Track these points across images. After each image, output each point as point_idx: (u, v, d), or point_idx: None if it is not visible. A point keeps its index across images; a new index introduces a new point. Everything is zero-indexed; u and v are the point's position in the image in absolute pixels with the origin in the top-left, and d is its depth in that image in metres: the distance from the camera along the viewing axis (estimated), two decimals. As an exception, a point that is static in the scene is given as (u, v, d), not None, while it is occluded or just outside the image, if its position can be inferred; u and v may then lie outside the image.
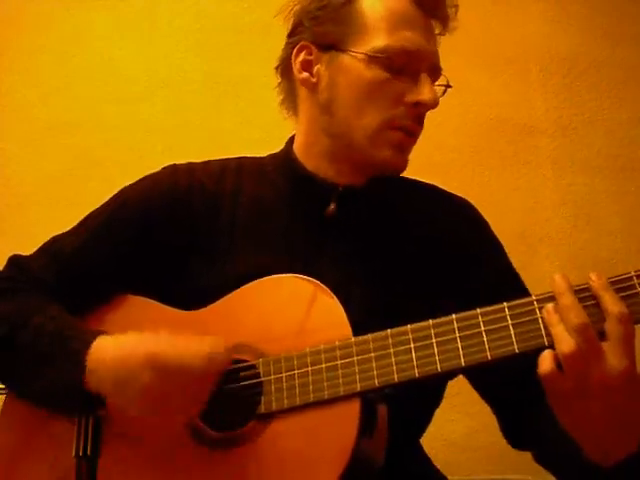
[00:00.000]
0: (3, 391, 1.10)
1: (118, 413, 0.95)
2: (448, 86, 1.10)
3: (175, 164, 1.16)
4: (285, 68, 1.15)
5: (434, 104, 1.05)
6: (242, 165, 1.17)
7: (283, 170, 1.14)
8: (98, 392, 0.95)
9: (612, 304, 0.79)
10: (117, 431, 0.99)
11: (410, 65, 1.04)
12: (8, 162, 2.03)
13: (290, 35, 1.14)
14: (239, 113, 2.12)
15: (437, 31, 1.11)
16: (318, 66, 1.08)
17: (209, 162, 1.17)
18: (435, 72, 1.08)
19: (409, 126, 1.06)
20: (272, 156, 1.19)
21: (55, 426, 1.01)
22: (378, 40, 1.04)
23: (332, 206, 1.08)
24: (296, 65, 1.10)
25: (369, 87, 1.04)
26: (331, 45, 1.07)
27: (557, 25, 2.27)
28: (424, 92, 1.04)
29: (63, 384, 0.96)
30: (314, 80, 1.09)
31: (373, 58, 1.03)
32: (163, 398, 0.93)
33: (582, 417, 0.81)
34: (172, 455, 0.97)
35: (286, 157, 1.14)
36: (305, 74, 1.09)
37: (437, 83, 1.09)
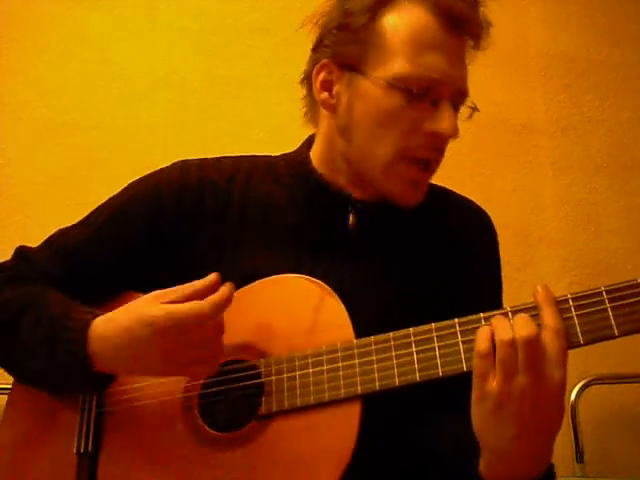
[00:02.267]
0: (6, 390, 1.10)
1: (119, 408, 0.95)
2: (475, 109, 1.05)
3: (186, 159, 1.14)
4: (308, 83, 1.10)
5: (453, 134, 0.99)
6: (254, 164, 1.15)
7: (297, 173, 1.12)
8: (108, 369, 0.96)
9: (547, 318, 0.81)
10: (118, 428, 0.99)
11: (432, 92, 0.98)
12: (8, 162, 2.03)
13: (313, 50, 1.09)
14: (239, 113, 2.12)
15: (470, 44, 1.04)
16: (338, 86, 1.04)
17: (220, 159, 1.16)
18: (460, 96, 1.02)
19: (425, 156, 1.01)
20: (285, 156, 1.17)
21: (57, 422, 1.02)
22: (399, 66, 0.98)
23: (352, 219, 1.06)
24: (316, 84, 1.06)
25: (386, 115, 0.99)
26: (351, 67, 1.02)
27: (557, 25, 2.27)
28: (443, 121, 0.98)
29: (68, 364, 0.96)
30: (333, 101, 1.05)
31: (392, 85, 0.98)
32: (174, 352, 0.91)
33: (495, 424, 0.81)
34: (172, 454, 0.97)
35: (302, 160, 1.12)
36: (325, 94, 1.05)
37: (465, 105, 1.04)
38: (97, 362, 0.96)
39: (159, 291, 0.93)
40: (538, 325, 0.81)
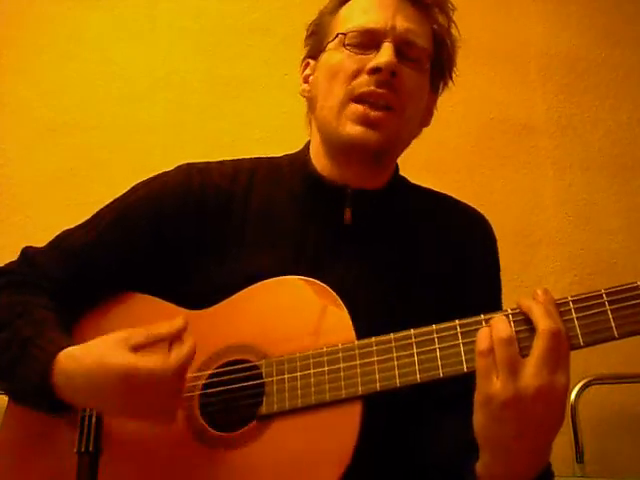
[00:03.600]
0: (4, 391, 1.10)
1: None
2: (429, 55, 1.09)
3: (190, 163, 1.16)
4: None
5: (388, 65, 1.03)
6: (257, 166, 1.17)
7: (297, 171, 1.14)
8: (70, 402, 0.96)
9: (539, 320, 0.82)
10: (119, 428, 0.99)
11: (376, 42, 1.06)
12: (8, 162, 2.03)
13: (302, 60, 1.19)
14: (239, 113, 2.12)
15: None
16: (312, 76, 1.14)
17: (224, 162, 1.17)
18: (409, 47, 1.07)
19: (369, 93, 1.04)
20: (289, 157, 1.19)
21: (57, 422, 1.02)
22: (346, 26, 1.08)
23: (348, 214, 1.08)
24: (301, 82, 1.17)
25: (334, 68, 1.08)
26: (318, 51, 1.13)
27: (557, 25, 2.27)
28: (379, 56, 1.04)
29: (31, 389, 0.97)
30: (309, 89, 1.15)
31: (340, 42, 1.07)
32: (131, 403, 0.93)
33: (498, 424, 0.81)
34: (173, 454, 0.97)
35: (303, 159, 1.15)
36: (304, 85, 1.16)
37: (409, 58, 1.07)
38: (59, 393, 0.95)
39: (126, 333, 0.94)
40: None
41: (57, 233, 1.14)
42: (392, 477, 1.00)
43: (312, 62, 1.15)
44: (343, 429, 0.89)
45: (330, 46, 1.09)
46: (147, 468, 0.96)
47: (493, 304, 1.11)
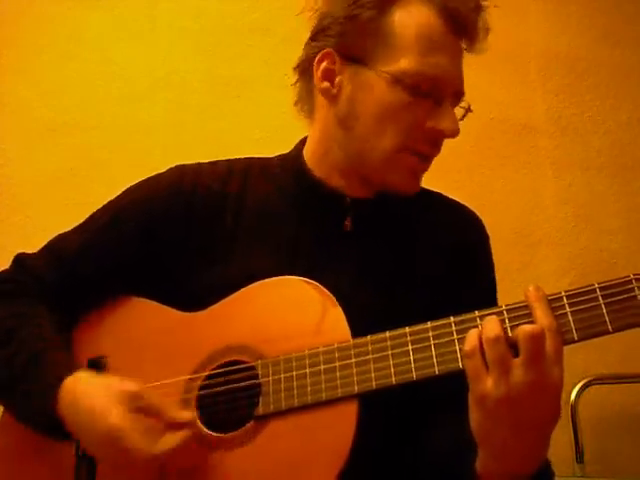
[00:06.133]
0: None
1: None
2: (469, 110, 1.08)
3: (182, 164, 1.15)
4: (304, 70, 1.11)
5: (454, 134, 1.03)
6: (249, 166, 1.16)
7: (291, 174, 1.12)
8: (68, 426, 0.96)
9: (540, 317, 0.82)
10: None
11: (435, 90, 1.01)
12: (8, 162, 2.03)
13: (313, 38, 1.09)
14: (239, 113, 2.12)
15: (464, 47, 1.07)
16: (340, 77, 1.05)
17: (216, 162, 1.16)
18: (457, 97, 1.07)
19: (426, 151, 1.05)
20: (281, 157, 1.17)
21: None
22: (407, 62, 1.00)
23: (348, 221, 1.08)
24: (317, 73, 1.06)
25: (391, 109, 1.01)
26: (356, 58, 1.03)
27: (557, 25, 2.26)
28: (446, 121, 1.02)
29: (32, 410, 0.98)
30: (334, 91, 1.05)
31: (399, 81, 1.00)
32: (114, 465, 0.93)
33: (493, 423, 0.81)
34: (170, 455, 0.97)
35: (296, 160, 1.13)
36: (326, 84, 1.06)
37: (459, 106, 1.07)
38: (62, 417, 0.96)
39: (138, 391, 0.93)
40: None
41: (57, 233, 1.14)
42: (389, 476, 0.99)
43: (340, 61, 1.04)
44: (339, 428, 0.89)
45: (386, 76, 1.00)
46: (144, 470, 0.95)
47: (488, 302, 1.11)
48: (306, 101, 1.14)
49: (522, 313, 0.85)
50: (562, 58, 2.24)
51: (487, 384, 0.80)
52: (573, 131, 2.22)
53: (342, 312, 0.96)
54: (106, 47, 2.12)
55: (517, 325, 0.83)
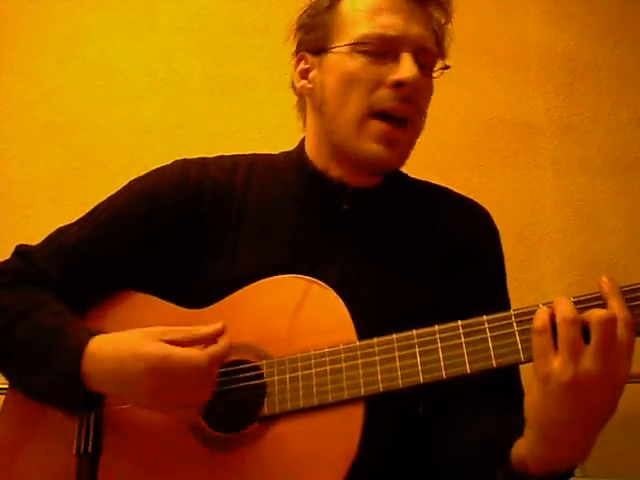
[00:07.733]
0: (4, 390, 1.10)
1: (119, 409, 0.95)
2: (446, 67, 1.08)
3: (186, 158, 1.15)
4: (293, 84, 1.16)
5: (413, 80, 1.01)
6: (254, 162, 1.16)
7: (295, 167, 1.14)
8: (97, 390, 0.95)
9: (617, 309, 0.79)
10: (119, 429, 0.99)
11: (392, 50, 1.03)
12: (8, 162, 2.03)
13: (293, 53, 1.16)
14: (239, 113, 2.12)
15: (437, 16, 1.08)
16: (313, 72, 1.10)
17: (221, 157, 1.17)
18: (424, 54, 1.05)
19: (392, 108, 1.03)
20: (285, 154, 1.18)
21: (56, 423, 1.01)
22: (358, 30, 1.04)
23: (345, 206, 1.08)
24: (295, 76, 1.14)
25: (350, 77, 1.04)
26: (320, 48, 1.09)
27: (557, 25, 2.26)
28: (402, 69, 1.01)
29: (60, 381, 0.96)
30: (310, 86, 1.11)
31: (354, 48, 1.04)
32: (160, 394, 0.92)
33: (552, 406, 0.79)
34: (173, 455, 0.97)
35: (299, 155, 1.14)
36: (303, 82, 1.12)
37: (437, 67, 1.07)
38: (87, 380, 0.95)
39: (165, 327, 0.94)
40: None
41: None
42: (396, 478, 0.99)
43: (310, 58, 1.11)
44: (346, 430, 0.89)
45: (341, 49, 1.05)
46: (147, 469, 0.95)
47: (499, 295, 1.11)
48: (300, 109, 1.19)
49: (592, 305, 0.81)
50: (562, 58, 2.24)
51: (554, 364, 0.78)
52: (573, 131, 2.21)
53: (347, 311, 0.95)
54: (106, 47, 2.12)
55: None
